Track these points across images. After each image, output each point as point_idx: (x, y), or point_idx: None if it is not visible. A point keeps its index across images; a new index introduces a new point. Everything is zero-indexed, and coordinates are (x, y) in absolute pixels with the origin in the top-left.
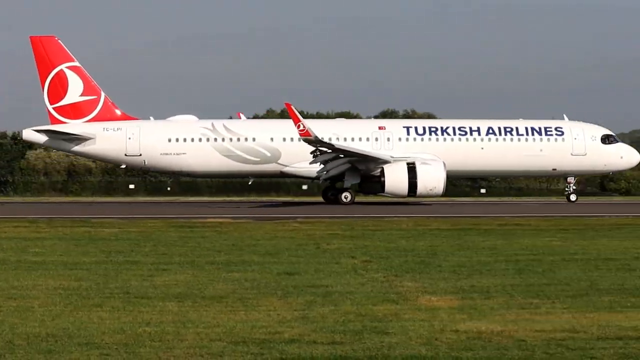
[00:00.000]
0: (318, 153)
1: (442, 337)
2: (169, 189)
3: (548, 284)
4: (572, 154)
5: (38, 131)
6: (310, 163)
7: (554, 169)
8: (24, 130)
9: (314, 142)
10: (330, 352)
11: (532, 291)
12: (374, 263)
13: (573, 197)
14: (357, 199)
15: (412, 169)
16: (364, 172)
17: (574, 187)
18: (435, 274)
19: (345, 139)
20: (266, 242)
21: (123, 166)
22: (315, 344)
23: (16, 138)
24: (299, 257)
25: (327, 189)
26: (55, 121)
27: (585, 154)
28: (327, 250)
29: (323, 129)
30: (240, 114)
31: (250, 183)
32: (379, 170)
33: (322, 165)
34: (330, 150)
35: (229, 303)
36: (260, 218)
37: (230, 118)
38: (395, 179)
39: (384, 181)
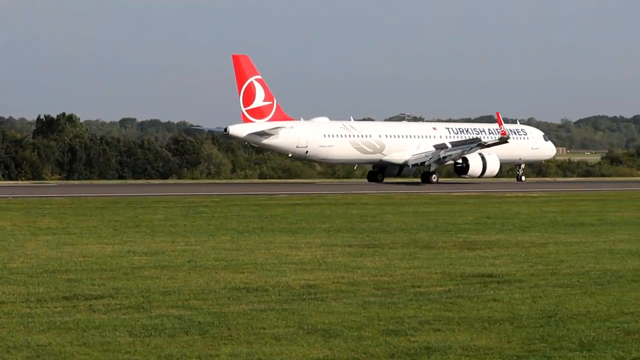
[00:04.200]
0: (474, 147)
1: None
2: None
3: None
4: (532, 148)
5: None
6: (466, 153)
7: (520, 159)
8: (230, 127)
9: (506, 139)
10: None
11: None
12: None
13: (523, 178)
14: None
15: (482, 157)
16: (451, 159)
17: (523, 170)
18: None
19: (417, 136)
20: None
21: (290, 155)
22: None
23: None
24: None
25: (373, 173)
26: (247, 120)
27: (538, 148)
28: None
29: (394, 129)
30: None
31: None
32: (461, 158)
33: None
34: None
35: None
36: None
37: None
38: (476, 165)
39: (468, 166)
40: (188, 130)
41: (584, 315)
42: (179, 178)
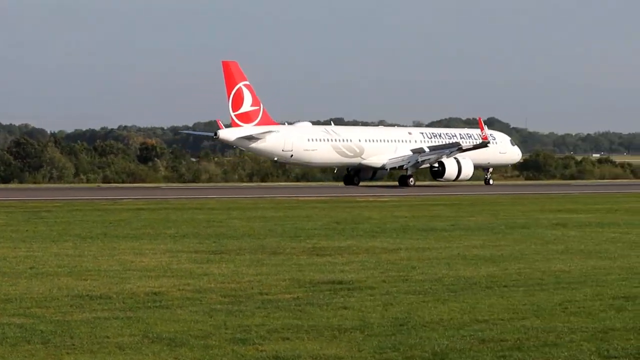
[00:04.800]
0: (455, 150)
1: None
2: None
3: None
4: (500, 152)
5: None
6: (442, 157)
7: (489, 163)
8: (220, 131)
9: (487, 144)
10: None
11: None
12: None
13: (491, 182)
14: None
15: (457, 161)
16: (429, 163)
17: (491, 174)
18: None
19: (393, 141)
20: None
21: (275, 159)
22: None
23: None
24: None
25: (349, 176)
26: (235, 124)
27: (506, 153)
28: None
29: (372, 133)
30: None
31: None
32: (437, 162)
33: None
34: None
35: None
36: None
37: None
38: (452, 169)
39: (444, 170)
40: (179, 134)
41: (436, 323)
42: (21, 182)
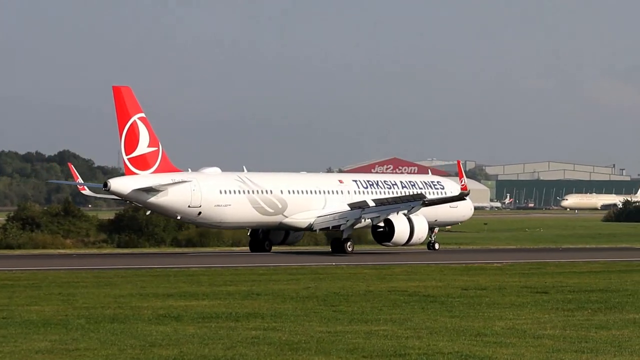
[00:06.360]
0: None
1: None
2: None
3: None
4: (450, 207)
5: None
6: (390, 213)
7: (436, 220)
8: (111, 180)
9: (466, 195)
10: None
11: None
12: None
13: (437, 246)
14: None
15: (409, 220)
16: (378, 222)
17: (435, 236)
18: None
19: (322, 192)
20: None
21: (178, 217)
22: None
23: None
24: None
25: (258, 240)
26: (129, 172)
27: (457, 206)
28: None
29: (296, 182)
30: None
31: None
32: (384, 221)
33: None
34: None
35: None
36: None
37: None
38: (403, 229)
39: (393, 231)
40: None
41: None
42: None
